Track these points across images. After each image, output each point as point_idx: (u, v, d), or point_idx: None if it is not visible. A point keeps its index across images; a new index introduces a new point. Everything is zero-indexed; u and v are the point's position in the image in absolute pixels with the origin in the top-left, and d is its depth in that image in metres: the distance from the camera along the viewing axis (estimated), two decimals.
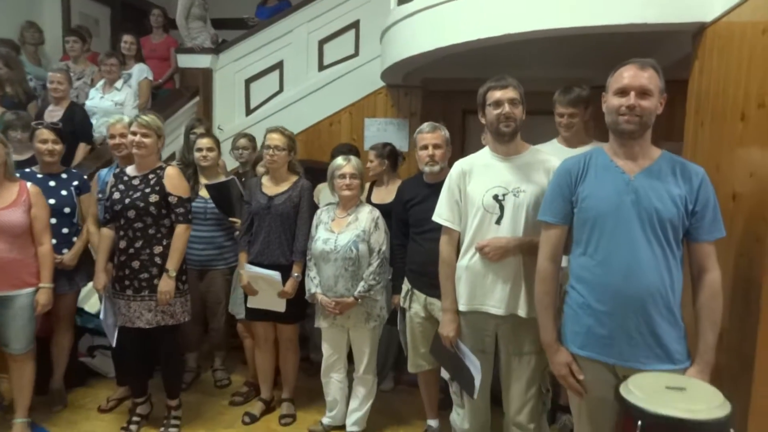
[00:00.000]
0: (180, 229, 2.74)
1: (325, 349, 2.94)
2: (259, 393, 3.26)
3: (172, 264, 2.71)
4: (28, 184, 2.79)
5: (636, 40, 2.79)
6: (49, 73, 4.21)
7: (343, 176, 2.79)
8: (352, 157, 2.87)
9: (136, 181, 2.76)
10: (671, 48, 2.98)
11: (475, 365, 2.15)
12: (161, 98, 4.93)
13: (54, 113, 4.08)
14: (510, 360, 2.18)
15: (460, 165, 2.24)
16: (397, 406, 3.27)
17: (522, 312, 2.11)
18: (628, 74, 1.74)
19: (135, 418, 2.96)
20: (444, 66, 3.83)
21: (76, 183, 3.11)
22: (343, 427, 2.98)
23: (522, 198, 2.10)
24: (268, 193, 2.98)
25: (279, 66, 5.08)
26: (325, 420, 3.02)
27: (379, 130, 4.85)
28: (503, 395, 2.24)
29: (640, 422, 1.41)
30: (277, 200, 2.95)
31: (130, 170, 2.81)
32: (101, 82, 4.58)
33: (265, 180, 3.04)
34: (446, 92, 4.84)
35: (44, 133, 2.98)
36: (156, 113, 2.86)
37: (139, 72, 4.71)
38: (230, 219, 3.34)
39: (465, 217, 2.21)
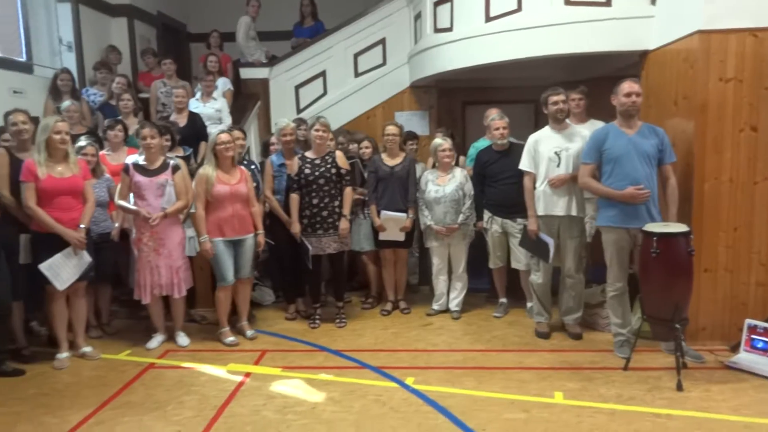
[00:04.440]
0: (348, 190, 4.33)
1: (435, 260, 4.63)
2: (379, 301, 4.90)
3: (347, 211, 4.30)
4: (241, 167, 4.21)
5: (600, 56, 4.61)
6: (173, 89, 5.49)
7: (444, 150, 4.46)
8: (448, 138, 4.55)
9: (317, 161, 4.30)
10: (624, 58, 4.82)
11: (550, 242, 3.95)
12: (238, 104, 6.30)
13: (179, 120, 5.38)
14: (566, 241, 3.99)
15: (534, 137, 4.02)
16: (469, 299, 4.98)
17: (573, 212, 3.92)
18: (628, 85, 3.57)
19: (317, 317, 4.49)
20: (452, 71, 5.34)
21: (253, 166, 4.55)
22: (447, 310, 4.69)
23: (570, 152, 3.89)
24: (389, 164, 4.59)
25: (322, 74, 6.57)
26: (435, 307, 4.71)
27: (406, 120, 6.45)
28: (561, 261, 4.03)
29: (655, 238, 3.26)
30: (396, 168, 4.58)
31: (309, 154, 4.34)
32: (199, 94, 5.87)
33: (384, 156, 4.65)
34: (451, 89, 6.59)
35: (236, 133, 4.40)
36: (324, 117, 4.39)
37: (223, 84, 6.08)
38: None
39: (538, 165, 3.98)
